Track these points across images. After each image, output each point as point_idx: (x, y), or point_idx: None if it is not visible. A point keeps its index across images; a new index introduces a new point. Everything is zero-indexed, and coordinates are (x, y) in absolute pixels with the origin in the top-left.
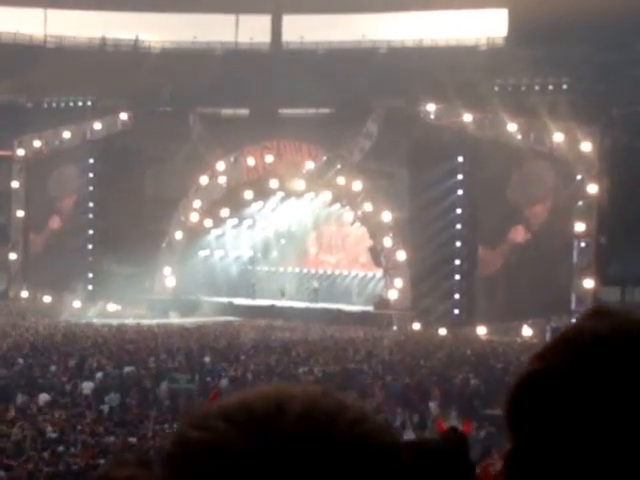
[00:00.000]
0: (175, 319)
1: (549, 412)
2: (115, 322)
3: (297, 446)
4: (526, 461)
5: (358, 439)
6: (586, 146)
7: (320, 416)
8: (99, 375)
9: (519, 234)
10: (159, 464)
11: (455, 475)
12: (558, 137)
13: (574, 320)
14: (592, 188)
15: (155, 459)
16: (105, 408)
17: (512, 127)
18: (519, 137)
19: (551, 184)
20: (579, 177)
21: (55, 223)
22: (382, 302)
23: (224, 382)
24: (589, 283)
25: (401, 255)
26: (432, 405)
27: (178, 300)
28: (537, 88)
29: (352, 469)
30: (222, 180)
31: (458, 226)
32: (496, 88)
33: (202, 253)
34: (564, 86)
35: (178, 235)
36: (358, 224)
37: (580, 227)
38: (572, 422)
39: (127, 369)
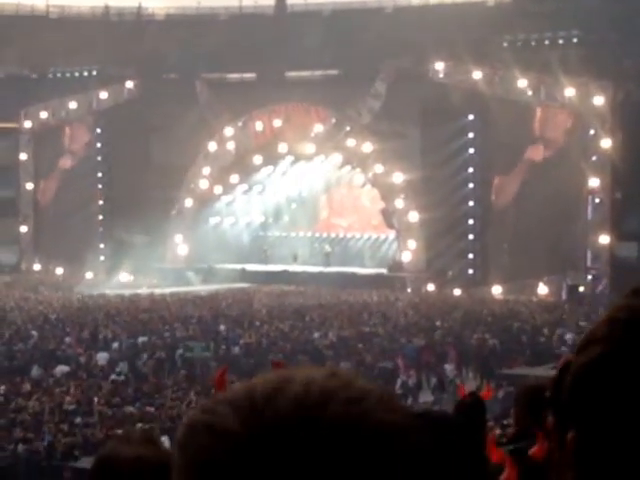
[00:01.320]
0: (195, 281)
1: (619, 398)
2: (128, 292)
3: (288, 428)
4: (595, 450)
5: (353, 419)
6: (598, 100)
7: (314, 397)
8: (114, 346)
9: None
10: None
11: (464, 446)
12: (569, 92)
13: (590, 278)
14: (605, 143)
15: (167, 431)
16: (120, 378)
17: (522, 83)
18: (530, 93)
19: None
20: (592, 132)
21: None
22: (395, 264)
23: (238, 349)
24: (604, 239)
25: (413, 216)
26: (448, 367)
27: (190, 269)
28: (547, 42)
29: (343, 450)
30: (231, 146)
31: (470, 185)
32: (505, 44)
33: (213, 220)
34: (574, 39)
35: (188, 203)
36: (369, 186)
37: (594, 183)
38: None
39: (141, 339)
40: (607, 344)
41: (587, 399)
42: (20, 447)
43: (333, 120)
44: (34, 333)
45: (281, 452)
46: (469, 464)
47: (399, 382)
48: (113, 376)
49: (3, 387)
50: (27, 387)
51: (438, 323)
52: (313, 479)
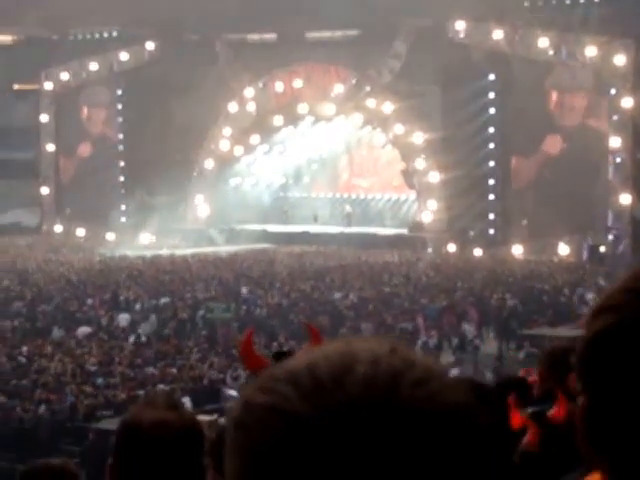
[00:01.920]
0: (217, 241)
1: (631, 368)
2: (149, 254)
3: (358, 411)
4: (605, 417)
5: (421, 401)
6: (620, 59)
7: (383, 378)
8: (135, 307)
9: (554, 145)
10: (226, 426)
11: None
12: (591, 51)
13: (611, 238)
14: (627, 102)
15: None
16: (142, 339)
17: (543, 42)
18: (551, 52)
19: (586, 89)
20: (613, 91)
21: (86, 149)
22: (416, 225)
23: (259, 310)
24: (626, 199)
25: (434, 177)
26: (468, 327)
27: (211, 229)
28: (568, 2)
29: (414, 433)
30: (251, 107)
31: (491, 145)
32: (526, 3)
33: (233, 181)
34: None
35: (209, 164)
36: (390, 146)
37: (615, 142)
38: None
39: (163, 300)
40: (622, 313)
41: (599, 367)
42: (42, 408)
43: (353, 80)
44: (56, 295)
45: (352, 435)
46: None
47: (419, 343)
48: (137, 337)
49: (25, 348)
50: (49, 349)
51: (459, 284)
52: (386, 462)
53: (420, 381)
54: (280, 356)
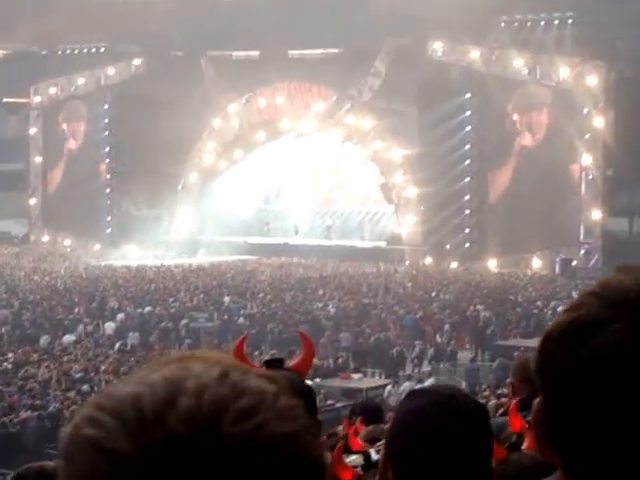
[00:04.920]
0: (199, 258)
1: (579, 361)
2: (135, 264)
3: (179, 447)
4: (555, 412)
5: (243, 436)
6: (592, 80)
7: (206, 411)
8: (120, 316)
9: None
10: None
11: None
12: (564, 71)
13: (583, 252)
14: (598, 121)
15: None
16: (126, 347)
17: (519, 62)
18: (525, 72)
19: (548, 99)
20: (585, 110)
21: (68, 162)
22: (394, 238)
23: (242, 320)
24: (597, 215)
25: (412, 191)
26: (444, 338)
27: (195, 241)
28: (543, 23)
29: (235, 471)
30: (235, 122)
31: (467, 161)
32: (502, 24)
33: (217, 194)
34: (569, 21)
35: (193, 177)
36: (369, 162)
37: (587, 160)
38: (601, 371)
39: (147, 309)
40: (574, 310)
41: (552, 361)
42: (29, 414)
43: (334, 98)
44: (43, 303)
45: (171, 476)
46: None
47: (395, 352)
48: (123, 345)
49: (12, 355)
50: (35, 356)
51: (435, 295)
52: None
53: (246, 412)
54: (271, 364)
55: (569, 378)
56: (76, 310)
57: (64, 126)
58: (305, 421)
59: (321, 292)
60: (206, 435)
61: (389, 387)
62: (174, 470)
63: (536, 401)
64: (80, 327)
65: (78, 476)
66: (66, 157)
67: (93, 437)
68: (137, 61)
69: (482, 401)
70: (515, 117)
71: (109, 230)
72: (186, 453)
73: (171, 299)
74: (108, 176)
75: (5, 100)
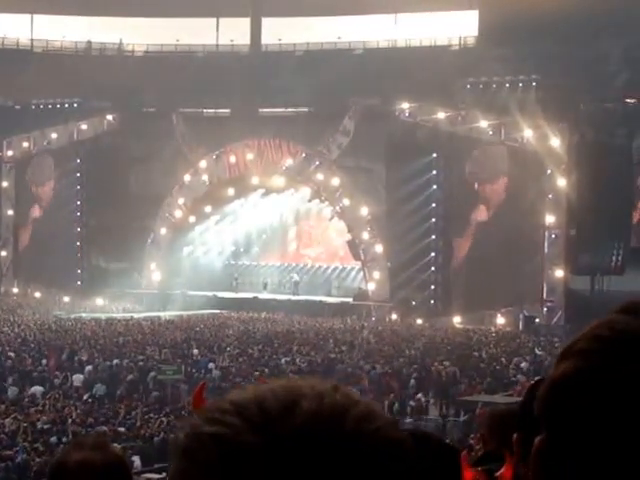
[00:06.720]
0: (168, 312)
1: (591, 412)
2: (104, 316)
3: (306, 442)
4: (562, 458)
5: (366, 435)
6: (555, 142)
7: (329, 412)
8: (89, 368)
9: (481, 213)
10: (170, 456)
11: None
12: (528, 133)
13: (546, 310)
14: (561, 182)
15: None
16: (94, 399)
17: (484, 123)
18: (490, 133)
19: (505, 165)
20: (549, 171)
21: (36, 212)
22: (361, 294)
23: (210, 373)
24: (560, 273)
25: (378, 248)
26: (409, 392)
27: (164, 294)
28: (507, 86)
29: (360, 465)
30: (205, 177)
31: (433, 220)
32: (468, 86)
33: (186, 248)
34: (533, 83)
35: (163, 231)
36: (337, 219)
37: (550, 219)
38: (612, 421)
39: (116, 361)
40: (588, 358)
41: (564, 408)
42: None
43: (303, 155)
44: (11, 354)
45: (299, 464)
46: None
47: None
48: (90, 396)
49: None
50: (2, 407)
51: (400, 351)
52: None
53: (365, 416)
54: None
55: (586, 425)
56: (44, 362)
57: (32, 186)
58: (404, 434)
59: (288, 346)
60: (331, 431)
61: None
62: (300, 462)
63: (538, 439)
64: (48, 379)
65: (199, 472)
66: (37, 211)
67: (217, 433)
68: (110, 116)
69: None
70: (475, 186)
71: (79, 282)
72: (310, 446)
73: (139, 352)
74: (79, 229)
75: None
